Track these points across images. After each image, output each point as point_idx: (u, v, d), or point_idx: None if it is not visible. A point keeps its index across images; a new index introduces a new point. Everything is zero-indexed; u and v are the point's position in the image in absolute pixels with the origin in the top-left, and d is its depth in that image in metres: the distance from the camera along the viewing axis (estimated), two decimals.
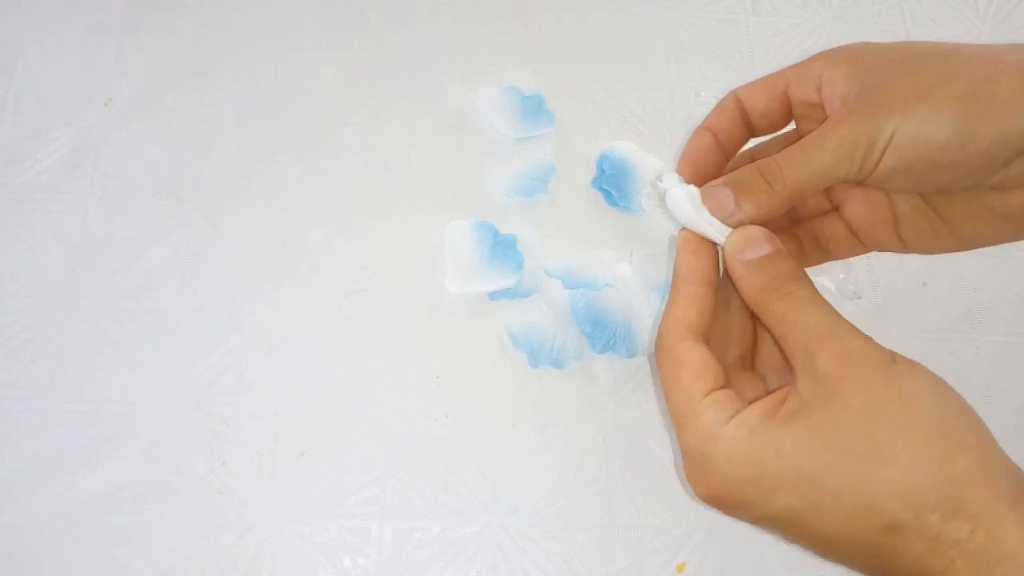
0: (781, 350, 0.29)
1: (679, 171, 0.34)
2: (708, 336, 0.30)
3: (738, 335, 0.33)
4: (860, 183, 0.30)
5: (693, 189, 0.32)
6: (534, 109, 0.54)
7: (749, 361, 0.33)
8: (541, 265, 0.50)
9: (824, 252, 0.35)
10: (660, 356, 0.30)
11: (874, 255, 0.52)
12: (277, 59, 0.55)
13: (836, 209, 0.35)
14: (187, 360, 0.47)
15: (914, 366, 0.27)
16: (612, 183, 0.52)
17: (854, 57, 0.31)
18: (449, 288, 0.49)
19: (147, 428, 0.45)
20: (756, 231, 0.30)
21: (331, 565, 0.43)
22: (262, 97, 0.54)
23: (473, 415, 0.47)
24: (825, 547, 0.27)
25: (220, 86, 0.54)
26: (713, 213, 0.31)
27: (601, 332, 0.48)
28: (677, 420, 0.29)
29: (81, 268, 0.48)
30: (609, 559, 0.44)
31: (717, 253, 0.32)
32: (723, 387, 0.29)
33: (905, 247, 0.34)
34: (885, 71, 0.30)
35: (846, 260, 0.51)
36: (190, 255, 0.49)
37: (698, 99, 0.56)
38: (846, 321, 0.28)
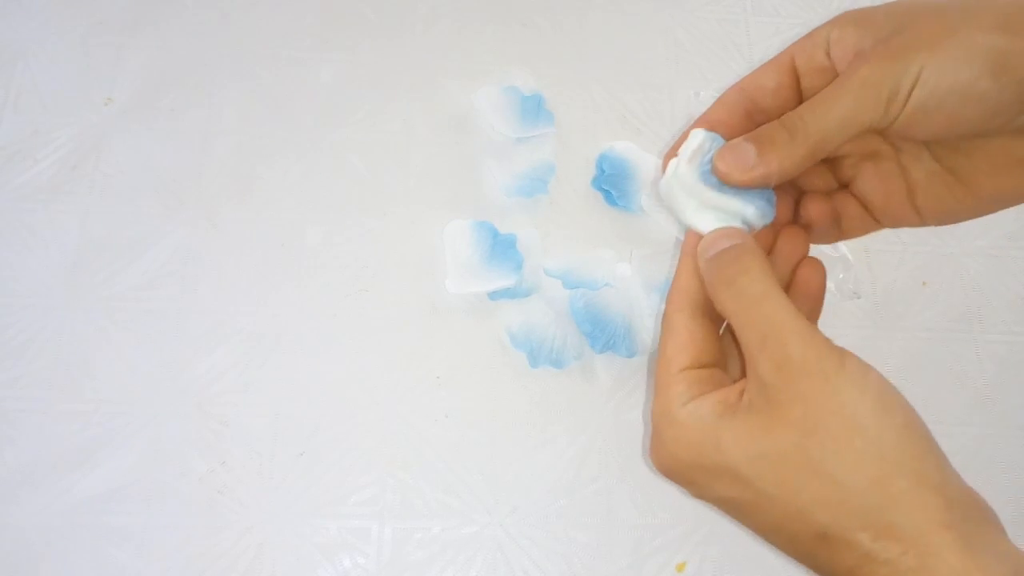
0: None
1: (665, 164, 0.32)
2: (710, 307, 0.30)
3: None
4: (884, 132, 0.29)
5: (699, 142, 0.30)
6: (534, 109, 0.54)
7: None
8: (541, 265, 0.50)
9: (837, 230, 0.34)
10: (661, 321, 0.30)
11: (874, 254, 0.52)
12: (277, 59, 0.55)
13: (846, 187, 0.34)
14: (187, 360, 0.47)
15: (864, 374, 0.26)
16: (612, 183, 0.52)
17: (861, 17, 0.30)
18: (449, 288, 0.49)
19: (147, 428, 0.45)
20: (728, 230, 0.30)
21: (331, 565, 0.43)
22: (262, 97, 0.54)
23: (473, 415, 0.47)
24: (766, 537, 0.28)
25: (220, 86, 0.54)
26: (731, 166, 0.29)
27: (601, 332, 0.48)
28: (655, 383, 0.30)
29: (81, 268, 0.48)
30: (609, 559, 0.45)
31: None
32: (703, 366, 0.29)
33: (921, 218, 0.32)
34: (901, 19, 0.29)
35: (846, 260, 0.51)
36: (190, 255, 0.49)
37: (698, 99, 0.56)
38: (793, 320, 0.27)
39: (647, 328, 0.49)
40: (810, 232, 0.33)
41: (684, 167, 0.30)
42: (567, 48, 0.57)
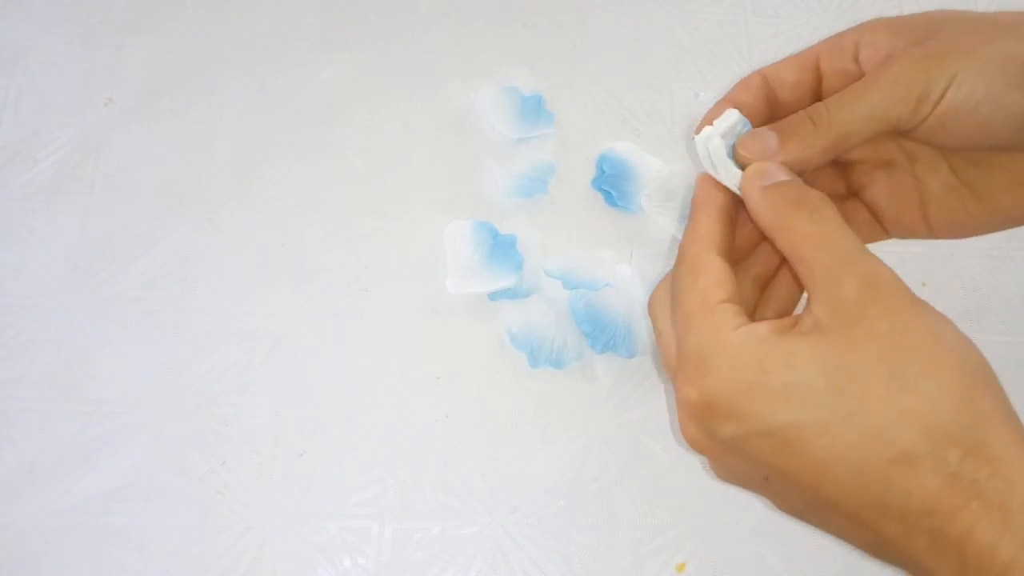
0: (795, 276, 0.27)
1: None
2: (732, 258, 0.29)
3: (751, 282, 0.31)
4: (907, 134, 0.29)
5: (728, 125, 0.30)
6: (534, 109, 0.54)
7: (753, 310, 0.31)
8: (541, 265, 0.50)
9: None
10: (680, 268, 0.28)
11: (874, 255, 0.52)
12: (277, 59, 0.55)
13: (855, 195, 0.34)
14: (187, 360, 0.47)
15: (939, 313, 0.26)
16: (612, 183, 0.52)
17: (894, 23, 0.30)
18: (449, 288, 0.49)
19: (147, 428, 0.45)
20: (772, 166, 0.28)
21: (331, 565, 0.43)
22: (262, 97, 0.54)
23: (473, 415, 0.47)
24: (817, 477, 0.24)
25: (220, 86, 0.54)
26: (753, 153, 0.29)
27: (601, 332, 0.48)
28: (684, 320, 0.27)
29: (81, 268, 0.48)
30: (609, 559, 0.45)
31: (735, 195, 0.30)
32: (740, 304, 0.27)
33: (930, 230, 0.32)
34: (936, 25, 0.28)
35: None
36: (190, 255, 0.49)
37: (698, 100, 0.56)
38: (871, 253, 0.26)
39: (647, 328, 0.49)
40: None
41: (717, 141, 0.30)
42: (567, 48, 0.57)
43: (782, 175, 0.28)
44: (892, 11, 0.61)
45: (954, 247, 0.53)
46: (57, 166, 0.51)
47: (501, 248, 0.50)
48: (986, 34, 0.28)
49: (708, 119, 0.31)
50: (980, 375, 0.25)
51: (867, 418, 0.24)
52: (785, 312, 0.31)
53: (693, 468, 0.47)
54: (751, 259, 0.32)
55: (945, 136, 0.29)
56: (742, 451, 0.26)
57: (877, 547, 0.26)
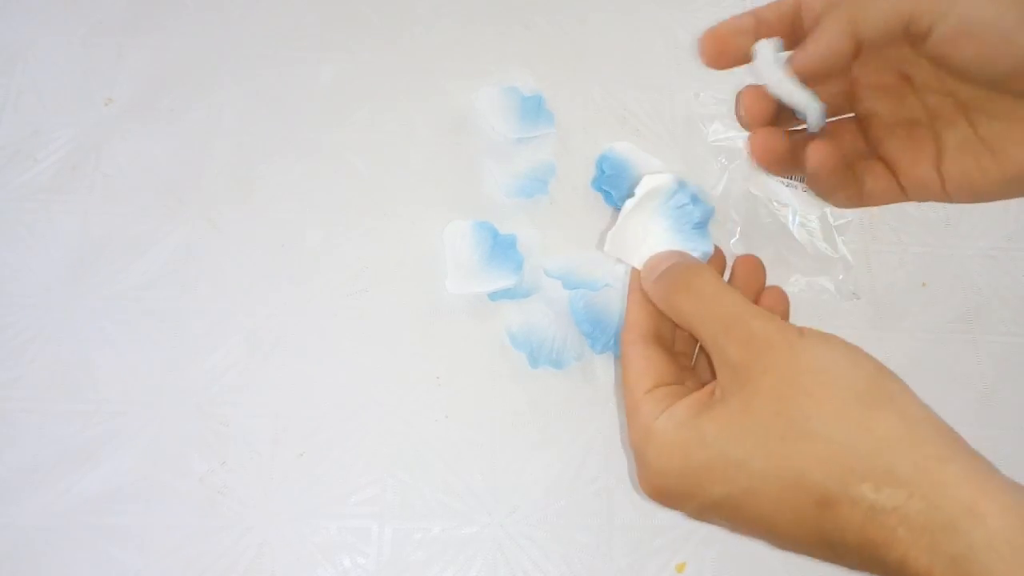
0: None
1: (703, 42, 0.34)
2: (662, 336, 0.31)
3: (685, 337, 0.33)
4: (925, 43, 0.29)
5: (780, 51, 0.32)
6: (534, 110, 0.54)
7: (690, 360, 0.33)
8: (541, 265, 0.50)
9: (859, 195, 0.34)
10: (620, 360, 0.31)
11: (873, 255, 0.52)
12: (277, 59, 0.55)
13: (875, 152, 0.34)
14: (187, 360, 0.47)
15: (825, 337, 0.27)
16: (612, 183, 0.52)
17: None
18: (449, 288, 0.49)
19: (147, 428, 0.45)
20: (668, 252, 0.32)
21: (331, 565, 0.43)
22: (262, 97, 0.54)
23: (473, 415, 0.47)
24: (768, 531, 0.26)
25: (220, 86, 0.54)
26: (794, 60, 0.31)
27: (601, 332, 0.48)
28: (627, 422, 0.30)
29: (81, 268, 0.48)
30: (609, 559, 0.45)
31: None
32: (668, 384, 0.29)
33: (944, 188, 0.32)
34: None
35: (845, 260, 0.51)
36: (190, 255, 0.49)
37: (698, 100, 0.56)
38: (751, 306, 0.28)
39: None
40: (819, 181, 0.33)
41: (772, 56, 0.32)
42: (567, 48, 0.57)
43: (668, 260, 0.31)
44: None
45: (954, 247, 0.53)
46: (57, 166, 0.51)
47: (501, 248, 0.50)
48: None
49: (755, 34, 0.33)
50: (873, 394, 0.25)
51: (780, 473, 0.25)
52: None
53: None
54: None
55: (955, 54, 0.29)
56: (709, 519, 0.28)
57: (853, 569, 0.26)
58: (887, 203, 0.34)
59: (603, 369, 0.48)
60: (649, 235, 0.33)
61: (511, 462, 0.46)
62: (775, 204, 0.52)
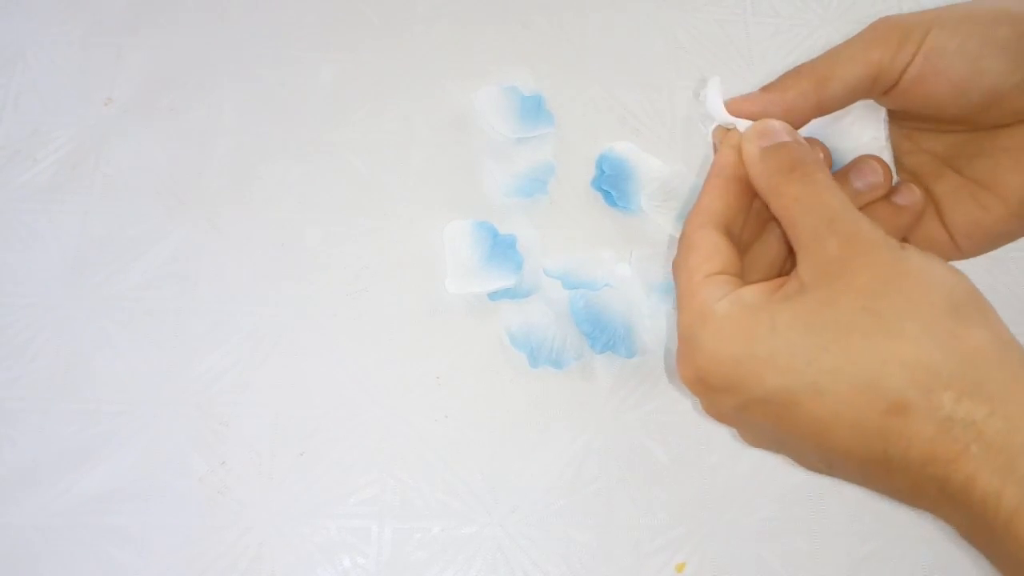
0: (786, 238, 0.28)
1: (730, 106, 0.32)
2: (731, 229, 0.29)
3: (772, 259, 0.31)
4: (891, 94, 0.29)
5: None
6: (534, 109, 0.54)
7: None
8: (541, 265, 0.50)
9: None
10: (679, 243, 0.29)
11: None
12: (277, 59, 0.55)
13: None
14: (187, 360, 0.47)
15: (927, 253, 0.25)
16: (611, 183, 0.52)
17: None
18: (449, 288, 0.49)
19: (147, 428, 0.45)
20: (776, 123, 0.29)
21: (331, 565, 0.43)
22: (262, 97, 0.54)
23: (473, 415, 0.47)
24: (820, 436, 0.24)
25: (220, 86, 0.54)
26: (742, 106, 0.30)
27: (601, 332, 0.48)
28: (679, 299, 0.28)
29: (81, 268, 0.48)
30: (609, 559, 0.45)
31: None
32: (731, 274, 0.28)
33: (955, 242, 0.32)
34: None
35: None
36: (190, 255, 0.49)
37: (698, 99, 0.56)
38: (857, 210, 0.26)
39: (647, 328, 0.49)
40: None
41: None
42: (567, 48, 0.57)
43: (784, 135, 0.29)
44: (892, 10, 0.61)
45: None
46: (57, 166, 0.51)
47: (501, 248, 0.50)
48: (968, 4, 0.29)
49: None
50: (968, 308, 0.24)
51: (854, 372, 0.23)
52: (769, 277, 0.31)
53: (693, 468, 0.47)
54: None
55: (934, 84, 0.29)
56: (747, 419, 0.26)
57: (895, 496, 0.25)
58: None
59: (603, 369, 0.48)
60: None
61: (511, 462, 0.46)
62: None
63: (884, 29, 0.29)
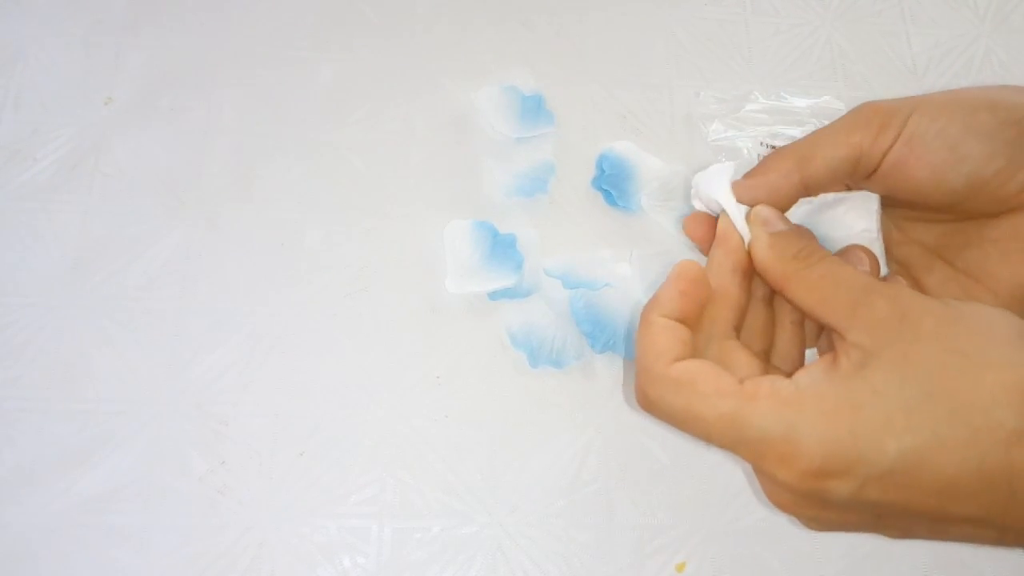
0: (814, 321, 0.27)
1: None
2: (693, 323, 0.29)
3: (760, 330, 0.31)
4: (873, 178, 0.29)
5: (728, 166, 0.31)
6: (534, 109, 0.54)
7: (767, 357, 0.31)
8: (541, 265, 0.50)
9: None
10: (639, 338, 0.28)
11: None
12: (277, 59, 0.55)
13: None
14: (187, 360, 0.47)
15: (958, 299, 0.26)
16: (612, 183, 0.52)
17: None
18: (449, 288, 0.49)
19: (147, 428, 0.45)
20: (767, 210, 0.29)
21: (331, 565, 0.43)
22: (262, 97, 0.54)
23: (473, 415, 0.47)
24: (943, 495, 0.23)
25: (220, 86, 0.54)
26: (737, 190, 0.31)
27: (601, 332, 0.48)
28: (729, 418, 0.25)
29: (81, 268, 0.48)
30: (609, 559, 0.44)
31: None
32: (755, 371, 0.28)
33: None
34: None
35: None
36: (190, 255, 0.49)
37: (698, 99, 0.56)
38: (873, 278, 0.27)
39: None
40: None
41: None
42: (567, 48, 0.57)
43: (781, 223, 0.29)
44: (891, 10, 0.61)
45: None
46: (56, 165, 0.51)
47: (501, 248, 0.50)
48: (952, 91, 0.29)
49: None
50: None
51: (969, 410, 0.23)
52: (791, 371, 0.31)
53: (693, 468, 0.47)
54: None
55: (915, 168, 0.29)
56: (858, 503, 0.24)
57: (1004, 540, 0.25)
58: None
59: (603, 369, 0.48)
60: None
61: (511, 462, 0.46)
62: None
63: (866, 113, 0.29)
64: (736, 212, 0.30)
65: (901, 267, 0.32)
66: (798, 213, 0.31)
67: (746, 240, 0.30)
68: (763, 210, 0.29)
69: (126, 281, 0.48)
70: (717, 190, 0.31)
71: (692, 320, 0.28)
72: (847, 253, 0.31)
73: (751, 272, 0.30)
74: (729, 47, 0.58)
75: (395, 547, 0.44)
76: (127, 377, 0.46)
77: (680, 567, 0.45)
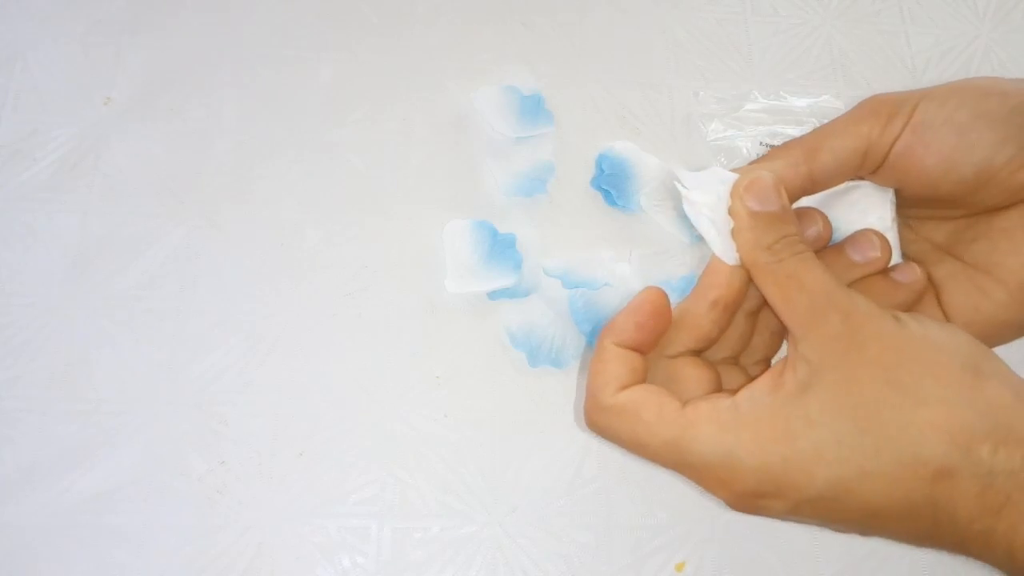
0: (777, 317, 0.27)
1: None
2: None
3: (737, 339, 0.31)
4: (881, 170, 0.29)
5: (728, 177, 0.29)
6: (533, 109, 0.54)
7: (736, 361, 0.32)
8: (540, 265, 0.50)
9: None
10: (595, 368, 0.29)
11: None
12: (277, 59, 0.55)
13: None
14: (187, 360, 0.47)
15: (918, 315, 0.26)
16: (611, 183, 0.52)
17: None
18: (448, 288, 0.49)
19: (147, 428, 0.45)
20: (766, 175, 0.28)
21: (330, 565, 0.43)
22: (262, 97, 0.54)
23: (473, 415, 0.47)
24: (871, 519, 0.25)
25: (220, 86, 0.54)
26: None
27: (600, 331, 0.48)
28: (671, 445, 0.26)
29: (81, 268, 0.48)
30: (609, 559, 0.44)
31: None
32: (715, 391, 0.28)
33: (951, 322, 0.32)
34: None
35: None
36: (190, 255, 0.49)
37: (697, 99, 0.56)
38: (843, 286, 0.27)
39: None
40: None
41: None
42: (567, 48, 0.57)
43: (770, 199, 0.28)
44: (891, 10, 0.61)
45: None
46: (56, 165, 0.51)
47: (500, 247, 0.50)
48: (959, 81, 0.29)
49: None
50: (976, 362, 0.25)
51: (896, 448, 0.24)
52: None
53: None
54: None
55: (924, 156, 0.29)
56: (794, 517, 0.26)
57: (939, 549, 0.26)
58: None
59: None
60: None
61: (511, 462, 0.46)
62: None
63: (874, 104, 0.29)
64: (726, 228, 0.28)
65: (914, 261, 0.32)
66: (815, 196, 0.31)
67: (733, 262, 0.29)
68: (751, 176, 0.28)
69: (126, 281, 0.48)
70: (710, 201, 0.29)
71: (647, 347, 0.29)
72: (859, 237, 0.31)
73: (733, 308, 0.29)
74: (729, 47, 0.58)
75: (395, 547, 0.44)
76: (127, 377, 0.46)
77: (680, 567, 0.45)
